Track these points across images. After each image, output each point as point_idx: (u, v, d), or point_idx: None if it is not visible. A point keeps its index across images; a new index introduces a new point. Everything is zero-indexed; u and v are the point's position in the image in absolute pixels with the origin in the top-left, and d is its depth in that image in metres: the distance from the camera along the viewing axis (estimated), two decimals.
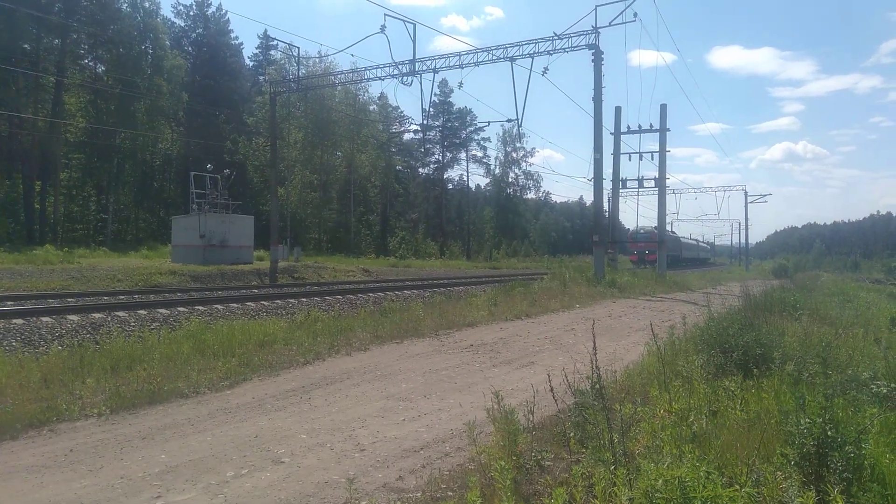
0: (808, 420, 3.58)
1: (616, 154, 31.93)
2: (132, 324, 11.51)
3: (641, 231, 54.82)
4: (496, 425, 4.27)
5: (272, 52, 65.43)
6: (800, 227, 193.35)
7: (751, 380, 5.58)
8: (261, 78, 62.30)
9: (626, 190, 38.00)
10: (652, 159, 32.77)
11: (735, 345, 6.23)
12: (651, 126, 31.30)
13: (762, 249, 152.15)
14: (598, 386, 4.21)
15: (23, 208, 46.19)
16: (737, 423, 4.37)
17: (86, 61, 52.57)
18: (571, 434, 4.45)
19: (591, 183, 25.50)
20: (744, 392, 5.12)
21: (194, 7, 63.42)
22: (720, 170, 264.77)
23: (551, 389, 4.67)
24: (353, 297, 17.74)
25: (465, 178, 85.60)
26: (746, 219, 68.03)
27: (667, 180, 32.52)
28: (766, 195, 74.04)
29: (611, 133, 31.00)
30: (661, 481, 2.85)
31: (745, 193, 64.88)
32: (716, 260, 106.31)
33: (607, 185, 30.92)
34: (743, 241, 75.43)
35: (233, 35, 66.87)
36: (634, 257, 53.90)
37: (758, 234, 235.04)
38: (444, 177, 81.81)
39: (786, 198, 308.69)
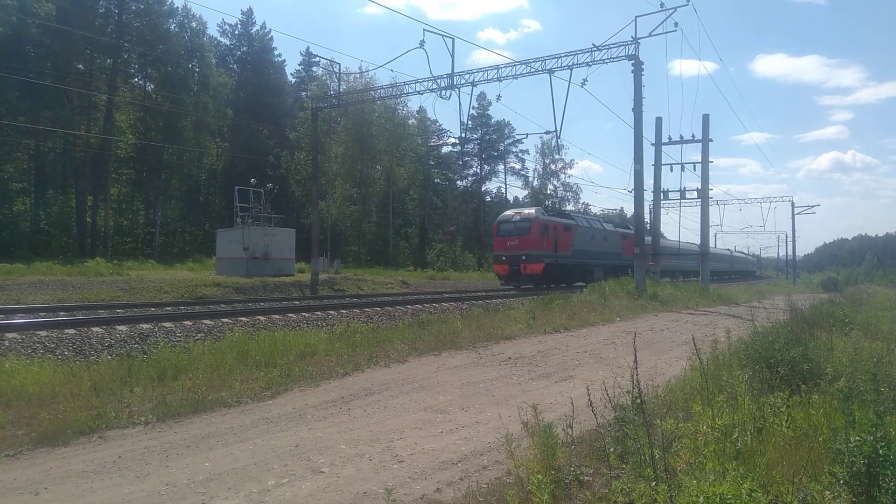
0: (858, 438, 3.46)
1: (657, 165, 31.50)
2: (178, 334, 11.81)
3: (516, 217, 32.41)
4: (534, 439, 4.24)
5: (314, 69, 66.87)
6: (850, 238, 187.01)
7: (798, 396, 5.42)
8: (303, 94, 63.63)
9: (668, 201, 37.42)
10: (694, 170, 32.27)
11: (781, 360, 6.06)
12: (693, 136, 30.78)
13: (810, 262, 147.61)
14: (638, 400, 4.15)
15: (75, 222, 47.98)
16: (783, 440, 4.25)
17: (136, 80, 54.66)
18: (611, 449, 4.39)
19: (632, 194, 25.21)
20: (790, 409, 4.97)
21: (239, 26, 65.34)
22: (765, 180, 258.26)
23: (590, 403, 4.62)
24: (392, 309, 17.85)
25: (504, 191, 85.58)
26: (794, 230, 66.14)
27: (710, 191, 31.85)
28: (813, 206, 71.71)
29: (651, 144, 30.63)
30: (702, 498, 2.80)
31: (792, 204, 63.10)
32: (761, 272, 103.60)
33: (648, 197, 30.54)
34: (790, 253, 73.29)
35: (276, 52, 68.65)
36: (502, 267, 32.10)
37: (806, 247, 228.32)
38: (483, 189, 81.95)
39: (834, 209, 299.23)
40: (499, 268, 32.44)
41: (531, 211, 33.29)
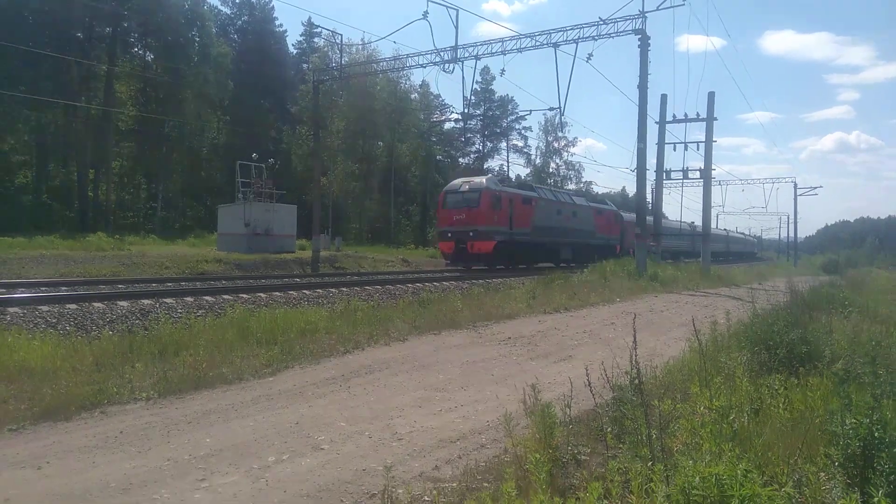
0: (854, 420, 3.48)
1: (661, 144, 31.25)
2: (179, 310, 11.85)
3: (464, 187, 28.68)
4: (532, 418, 4.28)
5: (316, 40, 66.06)
6: (852, 220, 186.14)
7: (796, 378, 5.45)
8: (304, 66, 63.01)
9: (671, 181, 37.27)
10: (697, 149, 31.99)
11: (780, 342, 6.08)
12: (698, 115, 30.51)
13: (812, 244, 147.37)
14: (637, 381, 4.18)
15: (77, 196, 47.90)
16: (780, 421, 4.28)
17: (135, 49, 54.06)
18: (609, 429, 4.43)
19: (634, 173, 25.10)
20: (788, 391, 5.01)
21: None
22: (769, 161, 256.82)
23: (589, 384, 4.64)
24: (392, 287, 17.89)
25: (506, 168, 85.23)
26: (795, 212, 66.16)
27: (713, 171, 31.71)
28: (816, 187, 71.79)
29: (655, 122, 30.35)
30: (698, 478, 2.82)
31: (795, 185, 62.86)
32: (762, 254, 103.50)
33: (651, 176, 30.35)
34: (791, 234, 73.20)
35: (277, 23, 67.86)
36: (447, 245, 28.79)
37: (807, 228, 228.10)
38: (485, 167, 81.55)
39: (837, 190, 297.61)
40: (444, 245, 28.89)
41: (482, 179, 29.48)
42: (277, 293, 14.74)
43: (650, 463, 3.43)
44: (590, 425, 4.76)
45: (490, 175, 36.75)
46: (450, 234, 28.12)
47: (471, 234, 26.97)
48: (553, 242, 32.79)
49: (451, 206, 28.37)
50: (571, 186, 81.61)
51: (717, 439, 3.74)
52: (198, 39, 53.02)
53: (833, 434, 3.63)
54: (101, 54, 48.52)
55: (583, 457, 4.20)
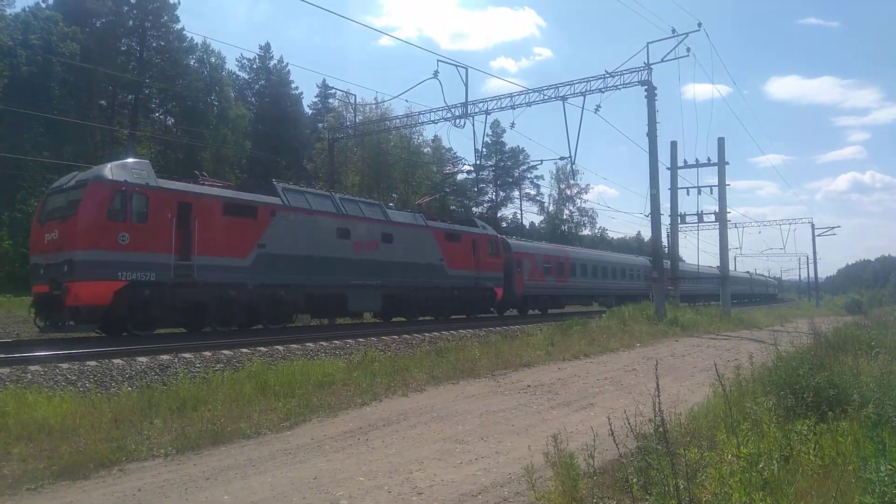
0: (890, 466, 3.37)
1: (673, 189, 31.34)
2: (197, 365, 11.84)
3: (70, 184, 14.97)
4: (555, 470, 4.18)
5: (330, 101, 67.76)
6: (873, 260, 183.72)
7: (825, 423, 5.30)
8: (319, 125, 64.52)
9: (686, 225, 37.16)
10: (711, 193, 32.05)
11: (806, 386, 5.94)
12: (709, 160, 30.68)
13: (833, 284, 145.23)
14: (661, 429, 4.09)
15: None
16: (811, 469, 4.15)
17: (156, 114, 55.81)
18: (634, 479, 4.31)
19: (648, 218, 25.14)
20: (817, 436, 4.86)
21: (257, 60, 66.63)
22: (783, 202, 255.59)
23: (612, 432, 4.55)
24: (409, 336, 17.79)
25: (519, 217, 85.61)
26: (814, 252, 65.41)
27: (727, 214, 31.63)
28: (834, 227, 71.11)
29: (667, 168, 30.54)
30: None
31: (812, 226, 62.47)
32: (783, 295, 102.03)
33: (665, 221, 30.33)
34: (812, 275, 72.25)
35: (293, 85, 69.77)
36: (39, 290, 14.42)
37: (827, 269, 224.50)
38: (498, 215, 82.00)
39: (856, 230, 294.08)
40: (36, 291, 14.74)
41: (106, 167, 14.96)
42: (295, 345, 14.71)
43: None
44: (614, 476, 4.64)
45: (132, 161, 15.65)
46: (42, 270, 14.54)
47: (65, 267, 13.72)
48: (307, 283, 18.17)
49: (48, 219, 14.89)
50: (587, 232, 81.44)
51: (746, 489, 3.63)
52: (216, 104, 54.66)
53: (868, 481, 3.51)
54: (123, 119, 50.15)
55: None
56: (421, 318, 22.84)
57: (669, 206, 30.66)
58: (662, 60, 23.73)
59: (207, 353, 12.86)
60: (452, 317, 24.34)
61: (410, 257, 21.96)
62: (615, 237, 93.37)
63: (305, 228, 18.43)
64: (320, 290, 18.94)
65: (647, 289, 42.15)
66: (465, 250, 24.64)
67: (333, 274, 19.20)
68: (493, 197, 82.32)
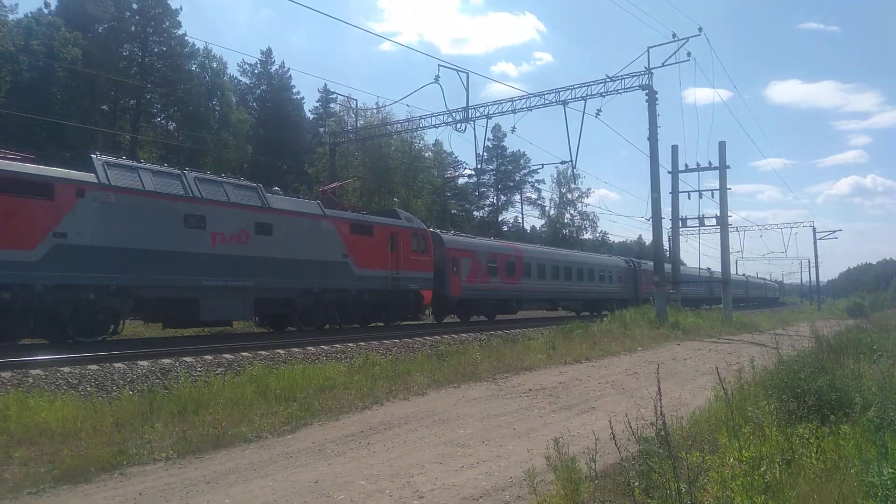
0: (892, 470, 3.36)
1: (674, 193, 31.38)
2: (198, 369, 11.85)
3: None
4: (557, 474, 4.18)
5: (331, 105, 67.91)
6: (874, 263, 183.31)
7: (827, 426, 5.29)
8: (321, 130, 64.65)
9: (687, 229, 37.16)
10: (712, 197, 32.03)
11: (808, 389, 5.93)
12: (710, 163, 30.70)
13: (835, 287, 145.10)
14: (663, 432, 4.08)
15: None
16: (813, 472, 4.14)
17: (158, 119, 55.97)
18: (636, 483, 4.30)
19: (650, 222, 25.15)
20: (819, 440, 4.85)
21: (259, 65, 66.81)
22: (785, 206, 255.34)
23: (613, 436, 4.54)
24: (410, 340, 17.79)
25: (520, 220, 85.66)
26: (816, 256, 65.49)
27: (729, 218, 31.64)
28: (835, 231, 71.33)
29: (668, 172, 30.58)
30: None
31: (814, 229, 62.47)
32: (784, 299, 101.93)
33: (666, 225, 30.34)
34: (813, 278, 72.17)
35: (294, 90, 69.94)
36: None
37: (829, 272, 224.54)
38: (499, 219, 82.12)
39: (857, 234, 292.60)
40: None
41: None
42: (296, 349, 14.71)
43: None
44: (616, 480, 4.63)
45: None
46: None
47: None
48: (147, 286, 14.83)
49: None
50: (588, 236, 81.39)
51: (749, 492, 3.62)
52: (218, 108, 54.77)
53: (870, 485, 3.50)
54: (125, 125, 50.29)
55: None
56: (325, 327, 19.59)
57: (671, 209, 30.73)
58: (663, 65, 23.81)
59: (209, 357, 12.87)
60: (358, 325, 20.76)
61: (299, 253, 18.06)
62: (616, 241, 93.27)
63: (135, 214, 14.66)
64: (155, 293, 15.05)
65: (623, 292, 39.58)
66: (380, 246, 20.89)
67: (177, 272, 15.31)
68: (495, 201, 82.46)
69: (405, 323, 23.04)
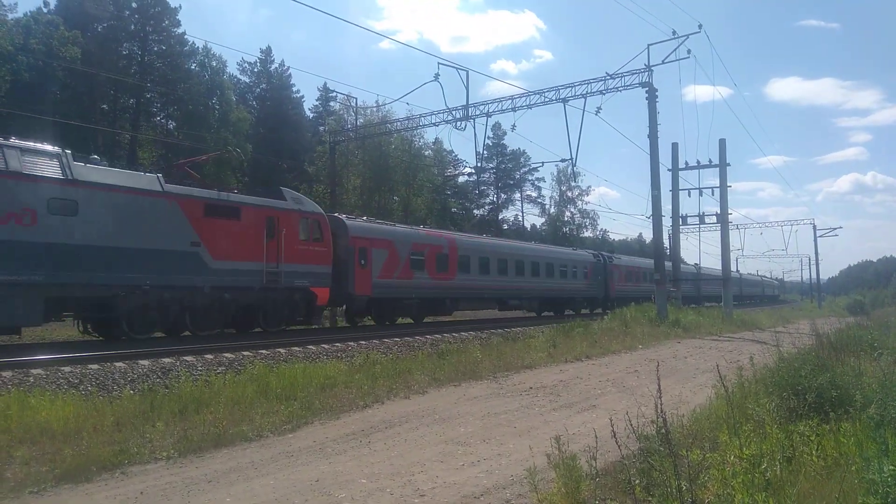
0: (893, 467, 3.36)
1: (675, 190, 31.36)
2: (199, 368, 11.86)
3: None
4: (558, 471, 4.18)
5: (331, 104, 67.85)
6: (875, 260, 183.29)
7: (827, 424, 5.29)
8: (321, 128, 64.62)
9: (687, 226, 37.10)
10: (713, 194, 32.02)
11: (808, 387, 5.93)
12: (710, 161, 30.69)
13: (835, 285, 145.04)
14: (663, 430, 4.09)
15: None
16: (814, 470, 4.15)
17: (158, 118, 55.95)
18: (637, 481, 4.31)
19: (650, 220, 25.14)
20: (820, 437, 4.86)
21: (258, 64, 66.75)
22: (785, 203, 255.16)
23: (614, 434, 4.54)
24: (411, 339, 17.80)
25: (521, 219, 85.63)
26: (816, 253, 65.48)
27: (729, 215, 31.63)
28: (836, 228, 71.06)
29: (668, 170, 30.57)
30: None
31: (814, 227, 62.41)
32: (785, 296, 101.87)
33: (667, 222, 30.32)
34: (814, 276, 72.19)
35: (294, 89, 69.87)
36: None
37: (830, 270, 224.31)
38: (500, 217, 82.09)
39: (858, 231, 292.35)
40: None
41: None
42: (297, 348, 14.72)
43: None
44: (617, 478, 4.63)
45: None
46: None
47: None
48: None
49: None
50: (588, 234, 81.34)
51: (749, 490, 3.63)
52: (218, 107, 54.72)
53: (871, 482, 3.50)
54: (124, 124, 50.30)
55: None
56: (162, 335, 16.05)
57: (671, 207, 30.69)
58: (663, 62, 23.78)
59: (209, 356, 12.88)
60: (225, 332, 17.00)
61: (120, 239, 14.10)
62: (617, 239, 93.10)
63: None
64: None
65: (590, 290, 35.71)
66: (251, 232, 16.91)
67: None
68: (495, 199, 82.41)
69: (294, 328, 19.18)
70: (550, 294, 32.58)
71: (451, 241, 26.36)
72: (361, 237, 21.16)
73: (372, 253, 21.27)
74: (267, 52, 67.74)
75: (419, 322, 24.31)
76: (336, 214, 21.93)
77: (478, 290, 26.83)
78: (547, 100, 24.74)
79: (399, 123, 33.74)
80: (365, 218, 23.90)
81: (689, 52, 23.42)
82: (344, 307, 22.68)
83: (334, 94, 63.95)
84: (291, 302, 18.27)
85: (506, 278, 28.51)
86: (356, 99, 33.33)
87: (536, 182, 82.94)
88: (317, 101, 74.55)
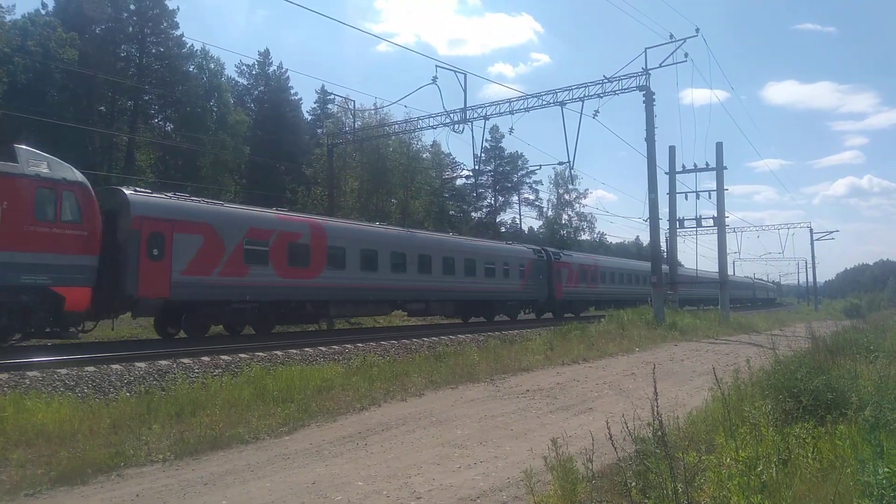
0: (888, 469, 3.37)
1: (672, 194, 31.48)
2: (196, 370, 11.83)
3: None
4: (554, 474, 4.18)
5: (329, 106, 67.88)
6: (871, 264, 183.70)
7: (823, 426, 5.30)
8: (319, 131, 64.59)
9: (684, 229, 37.21)
10: (709, 198, 32.14)
11: (804, 389, 5.94)
12: (707, 164, 30.79)
13: (832, 288, 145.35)
14: (660, 433, 4.09)
15: None
16: (809, 472, 4.16)
17: (156, 120, 55.91)
18: (633, 483, 4.31)
19: (647, 223, 25.18)
20: (816, 440, 4.87)
21: (256, 66, 66.73)
22: (781, 206, 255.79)
23: (610, 437, 4.55)
24: (408, 341, 17.78)
25: (518, 221, 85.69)
26: (813, 256, 65.63)
27: (726, 218, 31.70)
28: (832, 232, 71.47)
29: (665, 173, 30.69)
30: None
31: (811, 230, 62.67)
32: (782, 300, 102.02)
33: (664, 225, 30.37)
34: (810, 279, 72.33)
35: (292, 91, 69.84)
36: None
37: (826, 273, 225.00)
38: (497, 220, 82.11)
39: (854, 234, 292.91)
40: None
41: None
42: (293, 350, 14.70)
43: None
44: (613, 480, 4.64)
45: None
46: None
47: None
48: None
49: None
50: (585, 237, 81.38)
51: (745, 492, 3.63)
52: (215, 109, 54.67)
53: (866, 484, 3.51)
54: (122, 126, 50.23)
55: None
56: None
57: (668, 210, 30.76)
58: (660, 66, 23.84)
59: (206, 359, 12.85)
60: None
61: None
62: (614, 242, 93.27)
63: None
64: None
65: (528, 292, 30.18)
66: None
67: None
68: (492, 202, 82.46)
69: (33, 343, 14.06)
70: (470, 296, 26.88)
71: (317, 227, 20.33)
72: (153, 218, 15.52)
73: (173, 240, 15.67)
74: (265, 54, 67.76)
75: (265, 332, 19.10)
76: (116, 186, 17.39)
77: (358, 290, 21.03)
78: (544, 103, 24.79)
79: (397, 126, 33.80)
80: (171, 195, 17.26)
81: (686, 55, 23.53)
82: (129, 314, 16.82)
83: (332, 96, 63.92)
84: (14, 307, 12.60)
85: (404, 276, 23.03)
86: (354, 101, 33.41)
87: (534, 185, 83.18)
88: (315, 103, 74.58)
